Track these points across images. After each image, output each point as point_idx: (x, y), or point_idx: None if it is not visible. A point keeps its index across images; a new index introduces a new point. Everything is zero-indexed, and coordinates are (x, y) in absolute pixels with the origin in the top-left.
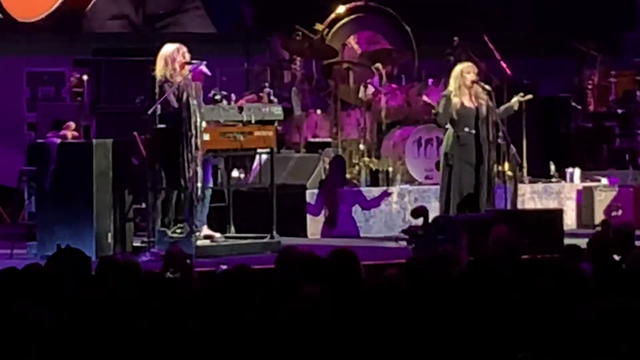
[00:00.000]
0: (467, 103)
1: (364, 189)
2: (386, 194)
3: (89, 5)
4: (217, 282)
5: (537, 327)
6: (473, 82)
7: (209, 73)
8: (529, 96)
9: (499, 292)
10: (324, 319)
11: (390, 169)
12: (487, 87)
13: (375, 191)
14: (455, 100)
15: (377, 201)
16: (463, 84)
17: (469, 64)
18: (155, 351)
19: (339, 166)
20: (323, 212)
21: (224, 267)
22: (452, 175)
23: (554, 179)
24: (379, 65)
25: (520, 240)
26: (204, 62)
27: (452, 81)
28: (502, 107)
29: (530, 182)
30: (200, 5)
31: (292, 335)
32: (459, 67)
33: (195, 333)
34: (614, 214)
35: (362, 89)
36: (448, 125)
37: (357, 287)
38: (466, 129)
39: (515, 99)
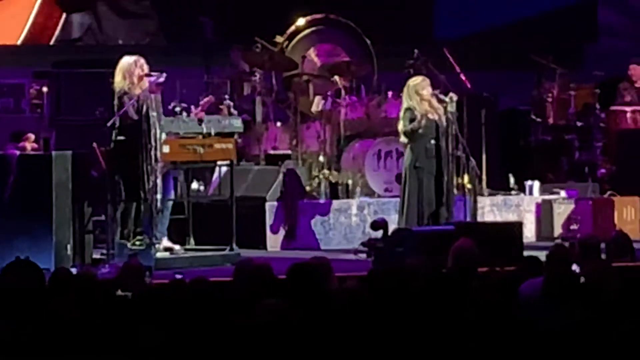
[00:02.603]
0: (429, 115)
1: (323, 201)
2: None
3: (58, 28)
4: (174, 294)
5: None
6: (432, 94)
7: (162, 80)
8: (451, 95)
9: (458, 305)
10: (282, 332)
11: (350, 182)
12: (445, 98)
13: (335, 204)
14: (417, 114)
15: (336, 214)
16: (422, 98)
17: (422, 78)
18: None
19: (298, 179)
20: (282, 224)
21: (179, 277)
22: (424, 187)
23: (513, 192)
24: (337, 77)
25: (479, 253)
26: (164, 74)
27: (409, 96)
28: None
29: (490, 194)
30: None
31: (249, 349)
32: (411, 83)
33: (151, 344)
34: (572, 227)
35: (315, 100)
36: (405, 140)
37: (316, 300)
38: (432, 141)
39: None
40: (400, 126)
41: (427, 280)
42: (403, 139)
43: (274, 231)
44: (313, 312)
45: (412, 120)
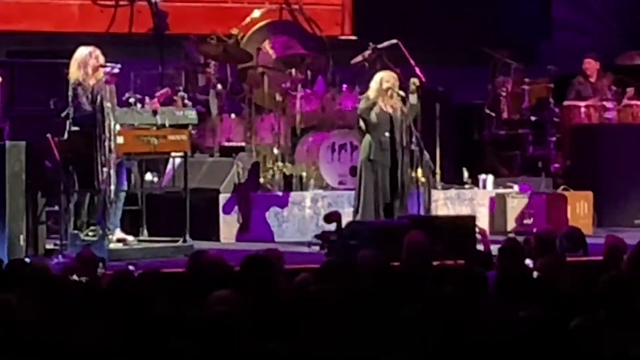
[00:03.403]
0: (385, 108)
1: (277, 193)
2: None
3: None
4: (127, 285)
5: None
6: (388, 88)
7: (116, 71)
8: (413, 80)
9: (410, 298)
10: (232, 323)
11: (304, 174)
12: (401, 92)
13: (289, 196)
14: (375, 106)
15: (290, 206)
16: (383, 91)
17: (391, 73)
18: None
19: (252, 171)
20: (236, 216)
21: (132, 268)
22: (378, 181)
23: (467, 186)
24: (293, 70)
25: (433, 246)
26: (118, 65)
27: (372, 87)
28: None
29: (444, 188)
30: None
31: (202, 340)
32: (379, 75)
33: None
34: (525, 221)
35: (276, 94)
36: (364, 127)
37: (270, 291)
38: (386, 134)
39: (411, 97)
40: (359, 109)
41: (379, 273)
42: (362, 124)
43: (226, 214)
44: (265, 303)
45: (366, 108)
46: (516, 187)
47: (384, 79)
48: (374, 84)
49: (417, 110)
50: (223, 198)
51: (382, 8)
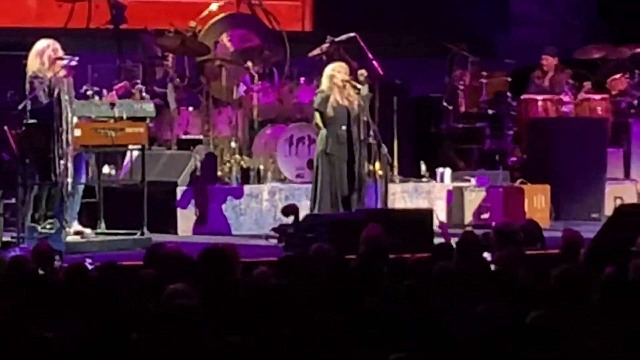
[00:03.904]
0: (341, 101)
1: (234, 186)
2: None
3: None
4: (84, 278)
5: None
6: (345, 81)
7: (74, 63)
8: (361, 71)
9: (368, 291)
10: (190, 317)
11: (262, 167)
12: (358, 85)
13: (246, 189)
14: (330, 98)
15: (247, 199)
16: (335, 83)
17: (340, 63)
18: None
19: (210, 164)
20: (194, 209)
21: (89, 261)
22: (335, 174)
23: (424, 179)
24: (250, 63)
25: (390, 239)
26: (76, 58)
27: (324, 80)
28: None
29: (401, 181)
30: None
31: (159, 333)
32: (330, 67)
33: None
34: (483, 216)
35: (235, 87)
36: (320, 124)
37: (227, 285)
38: (343, 127)
39: (361, 87)
40: (314, 103)
41: (335, 267)
42: (317, 120)
43: (184, 207)
44: (223, 296)
45: (322, 102)
46: (473, 181)
47: (335, 70)
48: (325, 77)
49: (368, 100)
50: (180, 191)
51: (342, 3)
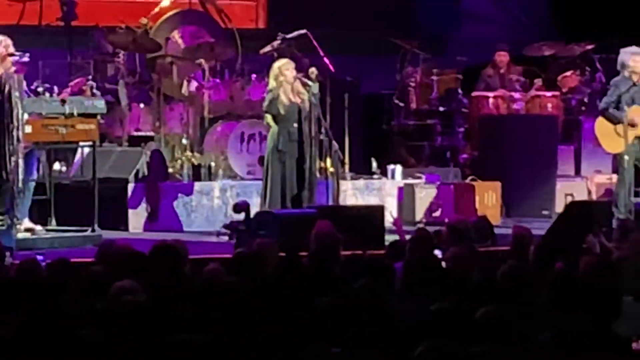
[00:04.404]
0: (293, 99)
1: (185, 183)
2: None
3: None
4: (35, 275)
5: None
6: (295, 77)
7: (25, 60)
8: (312, 69)
9: (317, 288)
10: (137, 313)
11: (213, 164)
12: (309, 82)
13: (197, 186)
14: (280, 97)
15: (198, 196)
16: (285, 81)
17: (286, 60)
18: None
19: (161, 160)
20: (145, 206)
21: (40, 257)
22: (286, 171)
23: (375, 176)
24: (202, 60)
25: (341, 236)
26: (27, 54)
27: (271, 79)
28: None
29: (352, 178)
30: None
31: (110, 330)
32: (276, 65)
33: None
34: (434, 213)
35: (185, 83)
36: (272, 123)
37: (178, 281)
38: (295, 125)
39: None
40: (263, 105)
41: (286, 264)
42: (268, 120)
43: (135, 204)
44: (173, 293)
45: (272, 100)
46: (424, 178)
47: (282, 67)
48: (272, 76)
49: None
50: (131, 188)
51: (296, 1)
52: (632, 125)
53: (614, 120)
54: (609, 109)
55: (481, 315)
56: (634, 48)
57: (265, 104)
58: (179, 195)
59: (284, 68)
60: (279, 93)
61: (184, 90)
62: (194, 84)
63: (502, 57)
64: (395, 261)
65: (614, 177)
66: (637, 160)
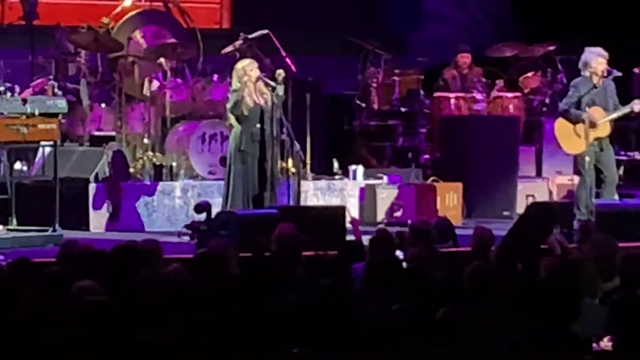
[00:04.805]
0: (257, 100)
1: (147, 183)
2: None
3: None
4: None
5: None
6: (257, 78)
7: None
8: (279, 72)
9: (279, 288)
10: (98, 313)
11: (174, 164)
12: (271, 83)
13: (159, 186)
14: (245, 99)
15: (160, 196)
16: (248, 81)
17: (249, 60)
18: None
19: (122, 160)
20: (106, 206)
21: (1, 257)
22: (248, 171)
23: (337, 176)
24: (163, 60)
25: (302, 237)
26: None
27: (235, 79)
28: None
29: (314, 178)
30: None
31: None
32: (240, 65)
33: None
34: (395, 214)
35: (146, 83)
36: (235, 123)
37: (140, 282)
38: (257, 126)
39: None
40: (228, 106)
41: (248, 264)
42: (231, 120)
43: (96, 203)
44: (134, 293)
45: (237, 102)
46: (386, 178)
47: (246, 68)
48: (236, 76)
49: (282, 100)
50: (93, 188)
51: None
52: (592, 126)
53: (574, 121)
54: (569, 110)
55: (441, 315)
56: (599, 49)
57: (230, 105)
58: (141, 195)
59: (248, 68)
60: (244, 95)
61: (145, 90)
62: (156, 83)
63: (465, 58)
64: (350, 262)
65: (575, 178)
66: (597, 162)
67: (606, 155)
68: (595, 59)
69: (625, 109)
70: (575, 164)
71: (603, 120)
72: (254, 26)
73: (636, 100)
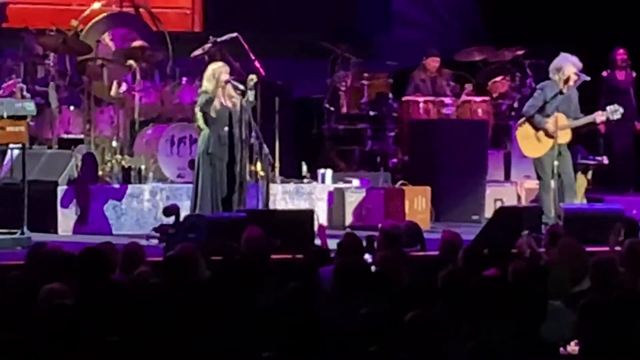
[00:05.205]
0: (224, 102)
1: (115, 186)
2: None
3: None
4: None
5: (283, 327)
6: (226, 81)
7: None
8: (251, 76)
9: (247, 292)
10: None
11: (143, 167)
12: (240, 86)
13: (128, 189)
14: (215, 101)
15: (128, 199)
16: (217, 83)
17: (221, 63)
18: None
19: (91, 163)
20: (75, 208)
21: None
22: (216, 174)
23: (305, 180)
24: (132, 62)
25: (271, 241)
26: None
27: (206, 81)
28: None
29: (282, 182)
30: None
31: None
32: (211, 68)
33: None
34: (363, 218)
35: (114, 85)
36: (203, 125)
37: (108, 284)
38: (226, 128)
39: (249, 93)
40: (196, 107)
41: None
42: (199, 121)
43: (64, 206)
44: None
45: (208, 100)
46: (355, 182)
47: (216, 71)
48: (208, 78)
49: (252, 105)
50: (61, 190)
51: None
52: (552, 136)
53: (537, 126)
54: (534, 115)
55: (409, 318)
56: (575, 59)
57: (200, 102)
58: (109, 198)
59: (218, 71)
60: (215, 97)
61: (113, 91)
62: (124, 86)
63: (434, 62)
64: (317, 265)
65: None
66: (556, 167)
67: (564, 159)
68: (569, 67)
69: (588, 119)
70: (535, 168)
71: (566, 128)
72: (226, 30)
73: (599, 112)
